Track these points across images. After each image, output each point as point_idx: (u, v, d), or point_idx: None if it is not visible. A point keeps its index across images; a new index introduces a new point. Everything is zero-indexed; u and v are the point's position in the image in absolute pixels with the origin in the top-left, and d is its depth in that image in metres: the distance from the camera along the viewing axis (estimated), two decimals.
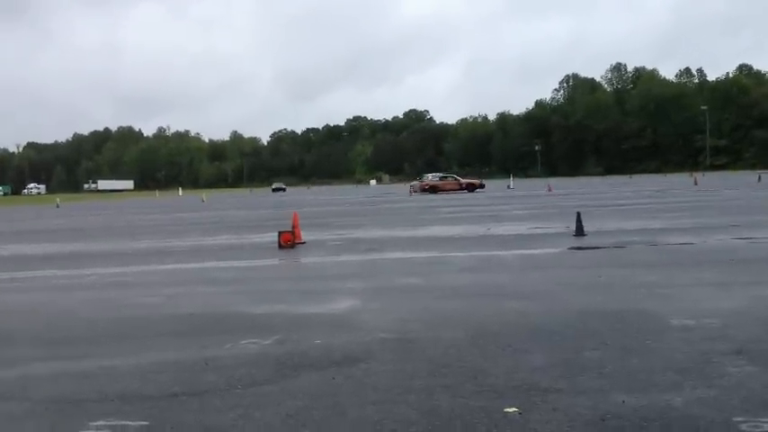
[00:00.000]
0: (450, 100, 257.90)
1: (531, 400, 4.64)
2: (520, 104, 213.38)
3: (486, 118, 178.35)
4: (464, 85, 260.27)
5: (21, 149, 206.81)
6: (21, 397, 5.27)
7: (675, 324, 6.68)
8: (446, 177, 60.02)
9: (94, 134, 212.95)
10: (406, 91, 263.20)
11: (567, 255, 13.02)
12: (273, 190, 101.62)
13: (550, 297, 8.46)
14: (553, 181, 77.43)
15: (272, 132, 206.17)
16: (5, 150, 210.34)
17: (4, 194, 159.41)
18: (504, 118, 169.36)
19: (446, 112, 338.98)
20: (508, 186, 64.11)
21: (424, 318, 7.48)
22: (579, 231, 15.54)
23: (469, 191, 55.07)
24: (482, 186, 57.98)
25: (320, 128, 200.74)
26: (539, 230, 17.84)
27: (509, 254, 13.24)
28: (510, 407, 4.50)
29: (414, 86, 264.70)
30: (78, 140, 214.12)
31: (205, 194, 75.76)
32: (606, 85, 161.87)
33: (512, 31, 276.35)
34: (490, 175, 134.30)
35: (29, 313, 9.04)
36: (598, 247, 13.54)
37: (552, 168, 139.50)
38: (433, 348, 6.11)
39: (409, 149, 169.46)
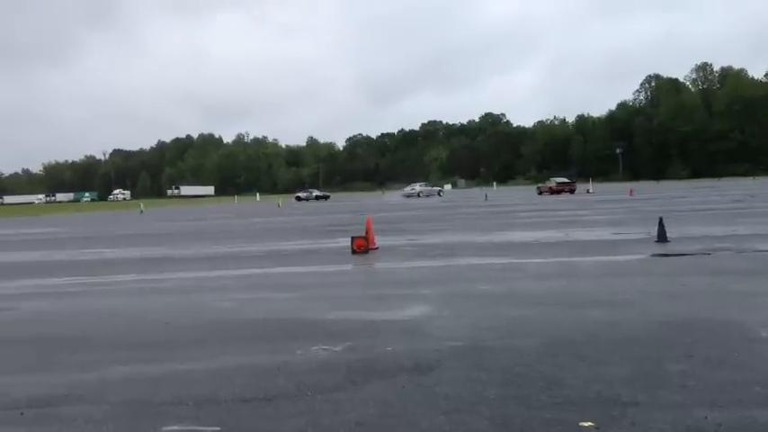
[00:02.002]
0: (529, 103, 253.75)
1: (609, 413, 4.46)
2: (602, 107, 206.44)
3: (564, 121, 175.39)
4: (544, 87, 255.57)
5: (107, 156, 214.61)
6: (99, 399, 5.39)
7: (764, 336, 6.34)
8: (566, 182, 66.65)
9: (177, 141, 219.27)
10: (483, 94, 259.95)
11: (649, 262, 12.61)
12: (299, 199, 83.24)
13: (631, 306, 8.18)
14: (636, 185, 75.51)
15: (347, 137, 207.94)
16: (93, 158, 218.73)
17: (92, 200, 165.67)
18: (583, 120, 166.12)
19: (524, 116, 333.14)
20: (587, 191, 62.85)
21: (497, 325, 7.33)
22: (662, 237, 15.04)
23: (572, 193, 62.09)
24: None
25: (395, 132, 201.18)
26: (619, 236, 17.36)
27: (588, 260, 12.92)
28: (586, 420, 4.33)
29: (492, 89, 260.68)
30: (162, 148, 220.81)
31: (281, 200, 76.96)
32: (690, 86, 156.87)
33: (598, 30, 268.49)
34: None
35: (109, 317, 9.28)
36: (682, 254, 13.07)
37: (635, 172, 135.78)
38: (506, 357, 5.96)
39: (485, 153, 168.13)
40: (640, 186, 74.97)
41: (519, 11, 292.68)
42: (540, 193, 62.99)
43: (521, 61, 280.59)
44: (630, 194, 48.62)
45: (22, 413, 5.14)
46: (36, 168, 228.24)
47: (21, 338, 8.03)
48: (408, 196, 75.75)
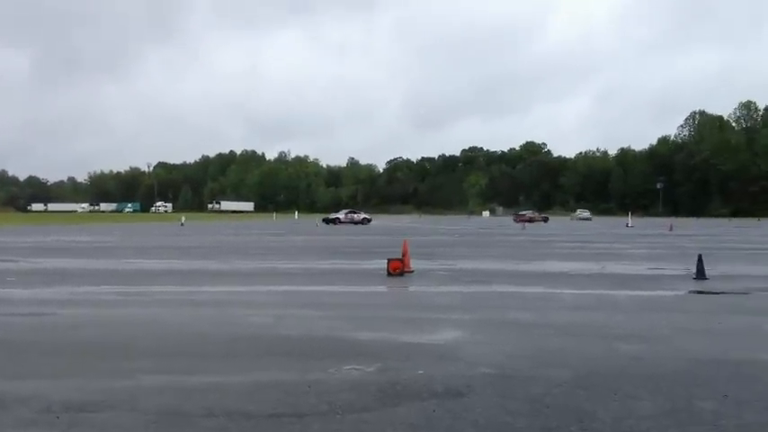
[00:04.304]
0: (573, 133, 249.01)
1: None
2: (648, 141, 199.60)
3: (606, 153, 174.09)
4: (590, 118, 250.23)
5: (151, 168, 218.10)
6: (131, 407, 5.48)
7: None
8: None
9: (221, 156, 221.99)
10: (528, 123, 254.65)
11: (686, 298, 12.45)
12: (326, 221, 67.44)
13: (665, 342, 8.09)
14: (675, 221, 74.43)
15: (388, 160, 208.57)
16: (137, 169, 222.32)
17: (134, 211, 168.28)
18: (624, 154, 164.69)
19: (566, 146, 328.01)
20: (626, 224, 62.12)
21: (529, 354, 7.31)
22: (700, 274, 14.83)
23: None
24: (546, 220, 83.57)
25: (436, 157, 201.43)
26: (657, 271, 17.15)
27: (624, 294, 12.78)
28: None
29: (537, 118, 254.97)
30: (205, 162, 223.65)
31: (319, 219, 77.35)
32: (734, 124, 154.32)
33: (652, 64, 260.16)
34: (608, 212, 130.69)
35: (143, 326, 9.42)
36: (720, 293, 12.88)
37: (674, 208, 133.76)
38: (537, 387, 5.94)
39: (525, 182, 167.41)
40: (680, 222, 73.91)
41: (577, 40, 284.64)
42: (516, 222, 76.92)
43: (571, 91, 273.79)
44: (670, 230, 47.98)
45: (57, 417, 5.25)
46: (81, 177, 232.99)
47: (58, 344, 8.20)
48: (572, 219, 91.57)
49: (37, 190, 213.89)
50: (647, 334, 8.59)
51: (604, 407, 5.37)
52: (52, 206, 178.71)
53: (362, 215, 70.49)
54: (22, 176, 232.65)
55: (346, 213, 70.75)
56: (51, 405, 5.51)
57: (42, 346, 8.08)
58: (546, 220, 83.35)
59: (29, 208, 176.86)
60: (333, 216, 69.86)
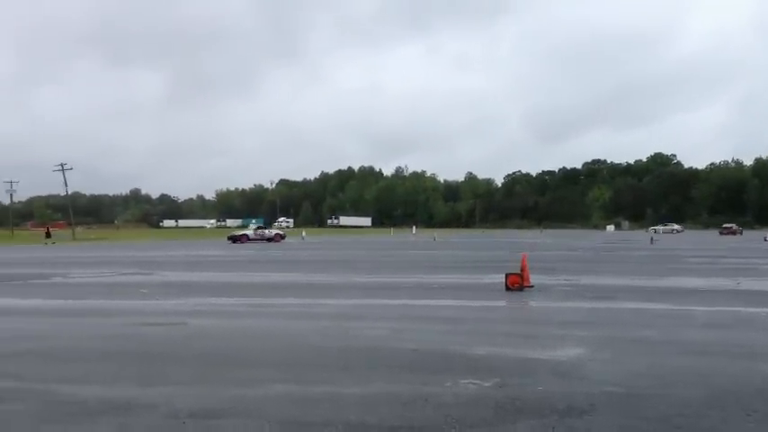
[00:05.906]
0: (707, 143, 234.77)
1: None
2: None
3: (740, 163, 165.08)
4: (726, 127, 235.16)
5: (274, 185, 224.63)
6: (255, 415, 5.62)
7: None
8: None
9: (339, 173, 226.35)
10: (657, 134, 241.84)
11: None
12: (231, 239, 58.74)
13: None
14: None
15: (506, 174, 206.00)
16: (261, 186, 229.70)
17: (258, 227, 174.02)
18: (762, 164, 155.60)
19: (696, 157, 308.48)
20: (765, 238, 58.54)
21: (657, 373, 6.96)
22: None
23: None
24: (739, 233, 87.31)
25: (556, 170, 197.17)
26: None
27: (761, 311, 12.02)
28: None
29: (668, 129, 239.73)
30: (325, 178, 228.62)
31: (437, 234, 77.36)
32: None
33: None
34: (745, 226, 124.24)
35: (265, 337, 9.68)
36: None
37: None
38: (665, 406, 5.65)
39: (653, 195, 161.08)
40: None
41: (710, 46, 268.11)
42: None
43: (701, 100, 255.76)
44: None
45: (183, 422, 5.45)
46: (209, 195, 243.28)
47: (186, 353, 8.54)
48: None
49: (168, 207, 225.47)
50: None
51: (739, 428, 5.04)
52: (183, 222, 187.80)
53: (275, 231, 65.21)
54: (154, 194, 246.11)
55: (255, 230, 65.26)
56: (178, 411, 5.72)
57: (171, 354, 8.43)
58: (741, 232, 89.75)
59: (161, 224, 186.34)
60: (239, 233, 63.10)
